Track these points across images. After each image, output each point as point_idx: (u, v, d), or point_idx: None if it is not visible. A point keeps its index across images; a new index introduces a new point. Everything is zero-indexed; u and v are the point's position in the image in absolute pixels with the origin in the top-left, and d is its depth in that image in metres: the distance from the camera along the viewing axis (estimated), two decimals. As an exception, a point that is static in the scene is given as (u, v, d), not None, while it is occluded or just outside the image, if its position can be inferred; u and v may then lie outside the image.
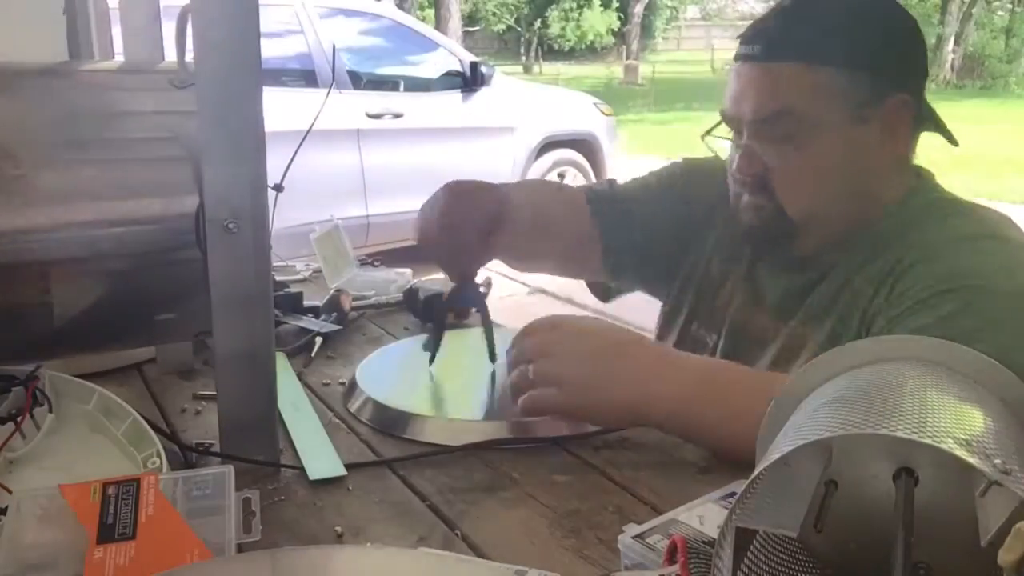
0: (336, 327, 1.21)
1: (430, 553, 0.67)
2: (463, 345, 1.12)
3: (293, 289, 1.29)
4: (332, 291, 1.30)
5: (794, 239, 1.00)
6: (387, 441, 0.89)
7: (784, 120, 0.94)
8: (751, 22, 1.00)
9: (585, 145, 5.61)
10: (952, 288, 0.86)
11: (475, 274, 1.06)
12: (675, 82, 19.54)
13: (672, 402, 0.83)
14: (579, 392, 0.85)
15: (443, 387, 1.01)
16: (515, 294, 3.82)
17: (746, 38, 0.97)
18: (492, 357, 1.01)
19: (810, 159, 0.95)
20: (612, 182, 1.27)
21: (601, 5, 28.68)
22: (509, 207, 1.06)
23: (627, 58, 24.03)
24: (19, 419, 0.78)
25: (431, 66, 4.84)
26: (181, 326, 0.90)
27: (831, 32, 0.94)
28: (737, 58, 0.98)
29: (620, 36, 28.62)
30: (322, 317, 1.24)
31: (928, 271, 0.89)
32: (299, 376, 1.05)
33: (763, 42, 0.95)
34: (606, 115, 5.76)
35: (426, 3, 21.92)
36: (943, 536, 0.53)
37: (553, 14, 28.59)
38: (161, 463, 0.74)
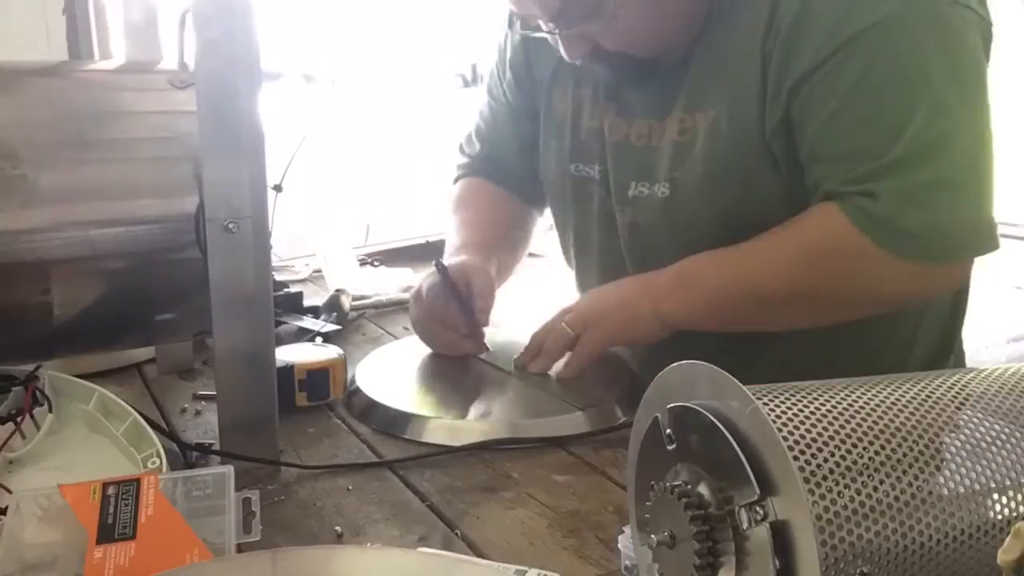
0: (336, 327, 1.21)
1: (430, 553, 0.67)
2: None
3: (293, 289, 1.29)
4: (332, 291, 1.30)
5: (653, 64, 0.96)
6: (387, 441, 0.89)
7: (576, 2, 0.89)
8: None
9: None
10: (844, 41, 0.84)
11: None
12: None
13: (674, 299, 0.94)
14: (604, 317, 0.97)
15: (443, 387, 1.01)
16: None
17: None
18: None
19: (627, 9, 0.89)
20: (470, 143, 1.28)
21: None
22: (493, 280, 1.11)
23: None
24: (19, 419, 0.78)
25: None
26: (181, 326, 0.90)
27: None
28: None
29: None
30: (322, 317, 1.24)
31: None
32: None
33: None
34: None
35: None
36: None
37: None
38: (161, 463, 0.74)
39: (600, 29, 0.91)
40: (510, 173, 1.22)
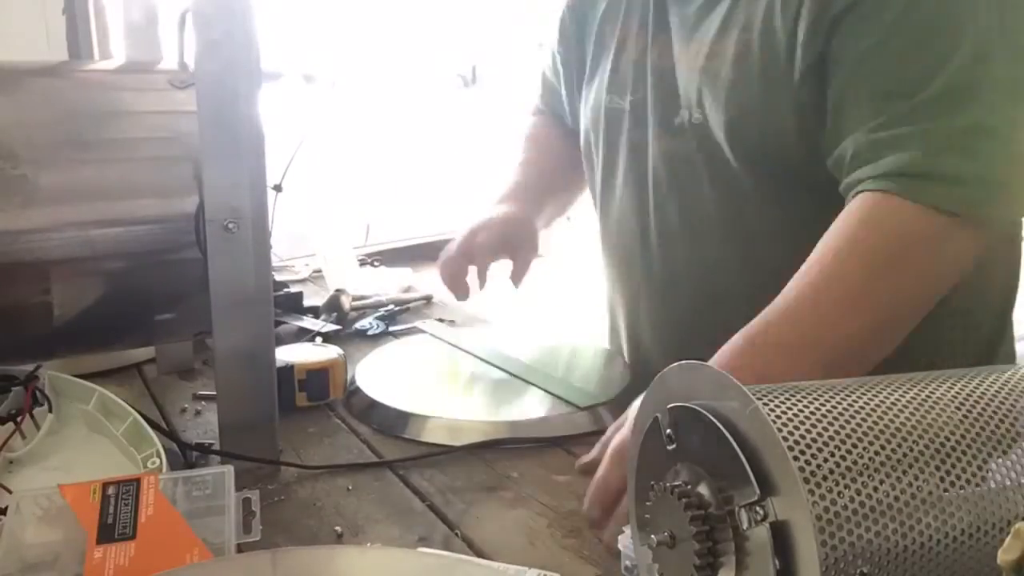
0: (336, 327, 1.21)
1: (430, 553, 0.67)
2: (464, 345, 1.13)
3: (293, 289, 1.29)
4: (332, 291, 1.30)
5: None
6: (387, 441, 0.89)
7: None
8: None
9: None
10: None
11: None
12: None
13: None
14: None
15: (443, 387, 1.01)
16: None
17: None
18: None
19: None
20: (541, 91, 1.29)
21: None
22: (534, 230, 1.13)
23: None
24: (19, 419, 0.78)
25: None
26: (181, 326, 0.90)
27: None
28: None
29: None
30: (322, 317, 1.24)
31: None
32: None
33: None
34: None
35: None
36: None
37: None
38: (161, 463, 0.74)
39: None
40: (566, 115, 1.25)
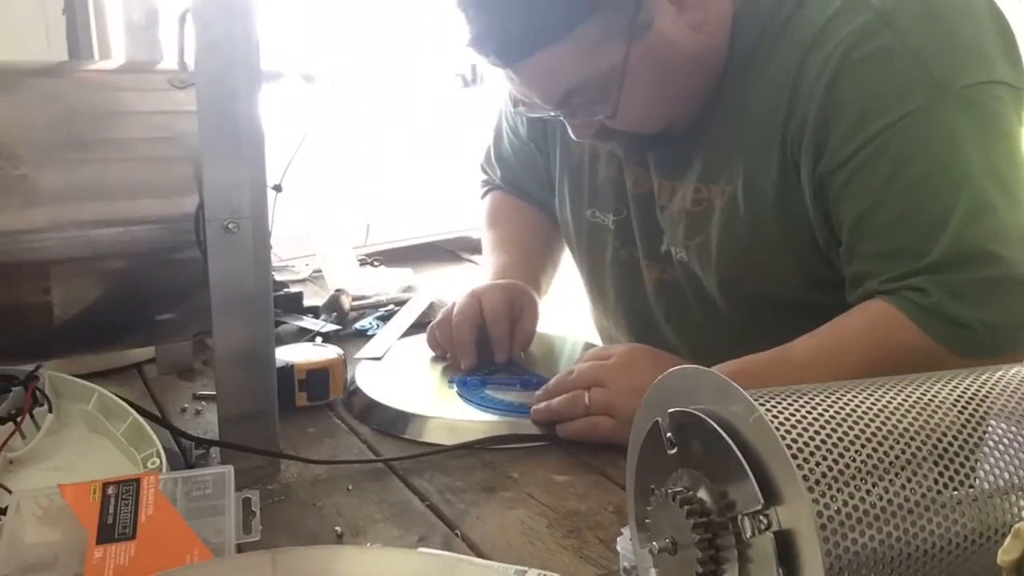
0: (336, 327, 1.21)
1: (430, 553, 0.67)
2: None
3: (293, 289, 1.29)
4: (332, 291, 1.30)
5: (662, 135, 0.94)
6: (387, 441, 0.89)
7: (579, 94, 0.87)
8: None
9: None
10: (872, 135, 0.80)
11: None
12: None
13: None
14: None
15: (443, 387, 1.01)
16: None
17: (475, 46, 0.87)
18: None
19: (632, 97, 0.87)
20: (491, 166, 1.27)
21: None
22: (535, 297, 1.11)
23: None
24: (19, 419, 0.78)
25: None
26: (181, 326, 0.90)
27: (531, 11, 0.83)
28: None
29: None
30: (322, 317, 1.24)
31: (838, 105, 0.82)
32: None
33: (494, 53, 0.86)
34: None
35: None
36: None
37: None
38: (161, 463, 0.74)
39: (606, 111, 0.89)
40: (532, 197, 1.22)
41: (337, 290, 1.30)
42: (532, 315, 1.07)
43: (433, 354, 1.08)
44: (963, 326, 0.78)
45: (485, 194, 1.30)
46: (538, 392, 0.91)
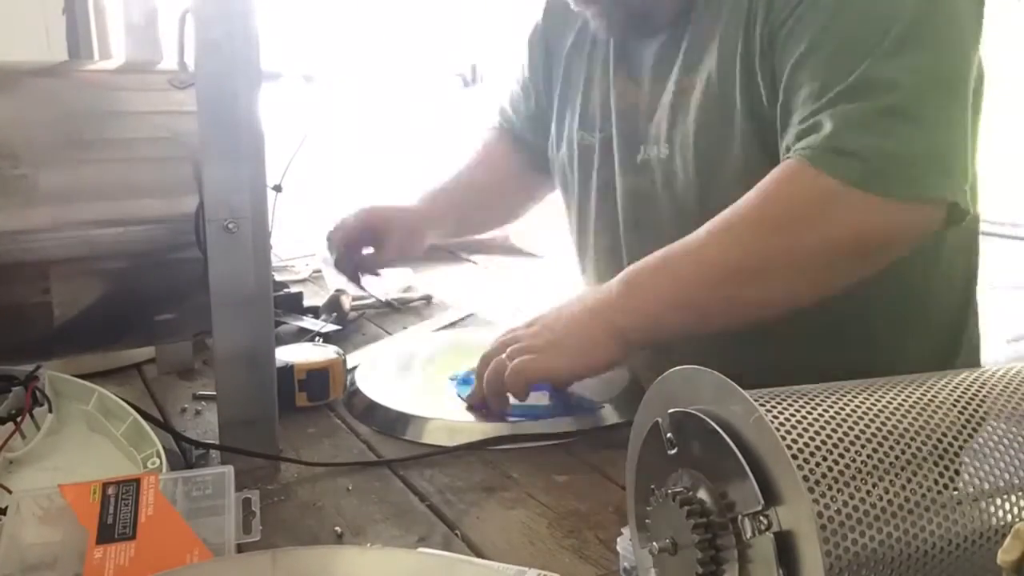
0: (336, 327, 1.21)
1: (430, 553, 0.67)
2: (462, 345, 1.12)
3: (293, 289, 1.29)
4: (332, 291, 1.30)
5: (650, 13, 0.98)
6: (387, 441, 0.89)
7: None
8: None
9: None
10: None
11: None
12: None
13: (623, 314, 0.86)
14: (550, 347, 0.88)
15: (442, 387, 1.01)
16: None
17: None
18: None
19: None
20: (503, 110, 1.32)
21: None
22: (422, 230, 1.23)
23: None
24: (19, 419, 0.78)
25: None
26: (181, 326, 0.90)
27: None
28: None
29: None
30: (322, 317, 1.24)
31: None
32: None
33: None
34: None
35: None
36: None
37: None
38: (161, 463, 0.74)
39: None
40: (529, 145, 1.27)
41: (337, 290, 1.30)
42: (390, 246, 1.21)
43: (433, 355, 1.08)
44: (852, 154, 0.78)
45: (489, 131, 1.35)
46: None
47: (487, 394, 0.89)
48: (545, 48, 1.20)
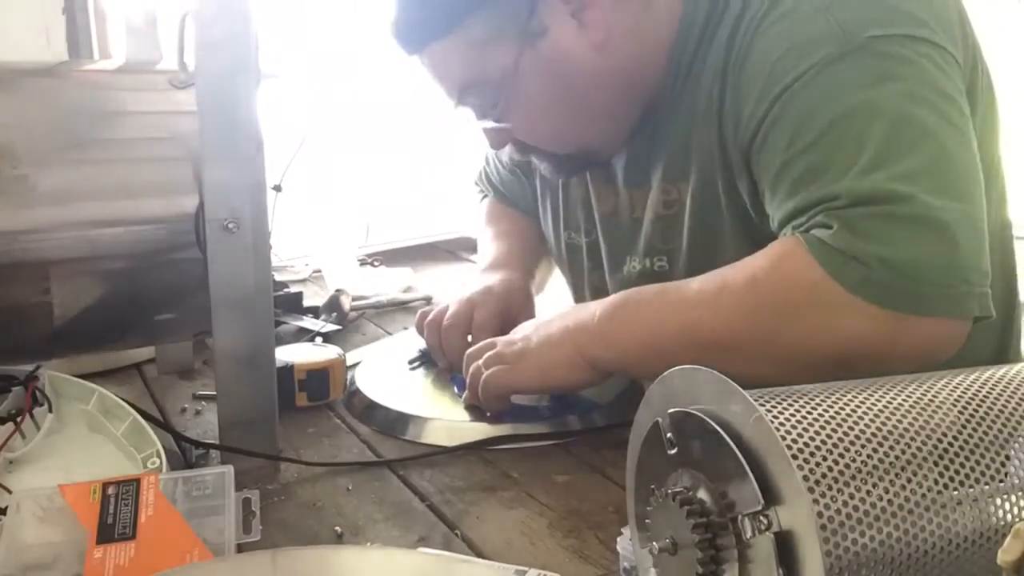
0: (336, 327, 1.21)
1: (430, 553, 0.67)
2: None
3: (293, 289, 1.29)
4: (332, 291, 1.30)
5: (594, 150, 0.95)
6: (387, 441, 0.89)
7: (473, 93, 0.89)
8: None
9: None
10: (777, 95, 0.77)
11: None
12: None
13: (597, 341, 0.84)
14: (521, 359, 0.88)
15: (442, 388, 1.01)
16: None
17: (389, 33, 0.90)
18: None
19: (530, 107, 0.89)
20: (481, 181, 1.29)
21: None
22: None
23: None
24: (19, 419, 0.78)
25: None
26: (181, 326, 0.90)
27: (424, 2, 0.87)
28: None
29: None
30: (322, 317, 1.24)
31: (756, 64, 0.80)
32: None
33: (396, 40, 0.90)
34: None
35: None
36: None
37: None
38: (161, 463, 0.74)
39: (514, 120, 0.89)
40: (525, 208, 1.23)
41: (337, 290, 1.30)
42: (526, 318, 1.04)
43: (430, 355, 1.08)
44: (856, 259, 0.71)
45: (483, 199, 1.31)
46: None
47: (471, 397, 0.91)
48: None
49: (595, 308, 0.86)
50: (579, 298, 1.11)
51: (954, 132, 0.76)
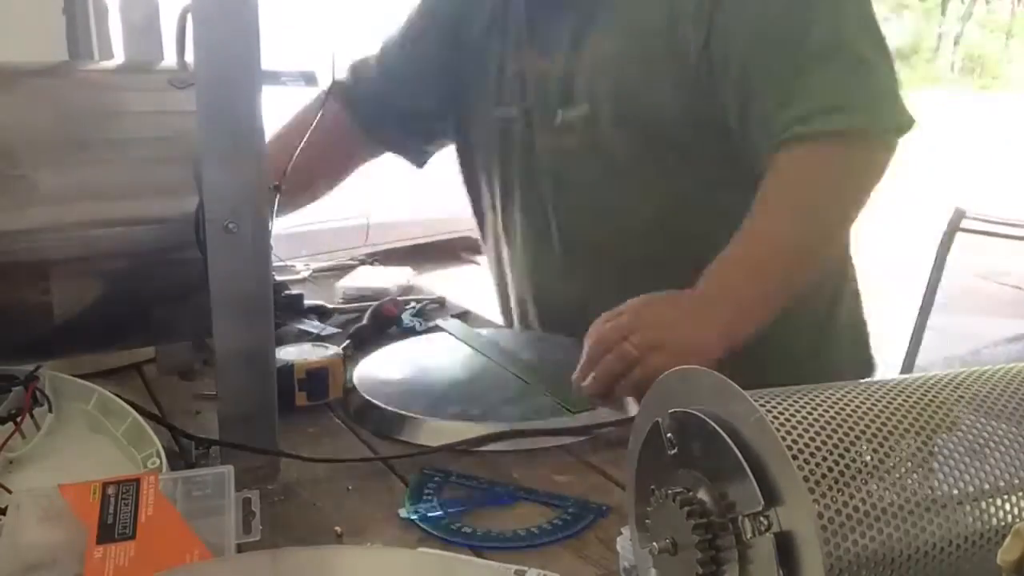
0: (336, 330, 1.21)
1: (430, 553, 0.67)
2: (460, 346, 1.13)
3: (293, 290, 1.29)
4: (333, 292, 1.30)
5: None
6: (386, 441, 0.89)
7: None
8: None
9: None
10: None
11: None
12: None
13: (750, 297, 0.94)
14: (682, 341, 0.89)
15: (442, 388, 1.01)
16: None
17: None
18: None
19: None
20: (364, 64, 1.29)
21: None
22: None
23: None
24: (19, 419, 0.78)
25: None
26: (181, 326, 0.90)
27: None
28: None
29: None
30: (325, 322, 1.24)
31: None
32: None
33: None
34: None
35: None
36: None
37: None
38: (161, 463, 0.74)
39: None
40: (384, 109, 1.26)
41: (336, 290, 1.30)
42: None
43: (433, 355, 1.08)
44: (839, 108, 0.94)
45: (325, 95, 1.24)
46: (575, 374, 0.92)
47: (606, 376, 0.89)
48: (456, 36, 1.20)
49: (716, 296, 0.93)
50: (507, 174, 1.16)
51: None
